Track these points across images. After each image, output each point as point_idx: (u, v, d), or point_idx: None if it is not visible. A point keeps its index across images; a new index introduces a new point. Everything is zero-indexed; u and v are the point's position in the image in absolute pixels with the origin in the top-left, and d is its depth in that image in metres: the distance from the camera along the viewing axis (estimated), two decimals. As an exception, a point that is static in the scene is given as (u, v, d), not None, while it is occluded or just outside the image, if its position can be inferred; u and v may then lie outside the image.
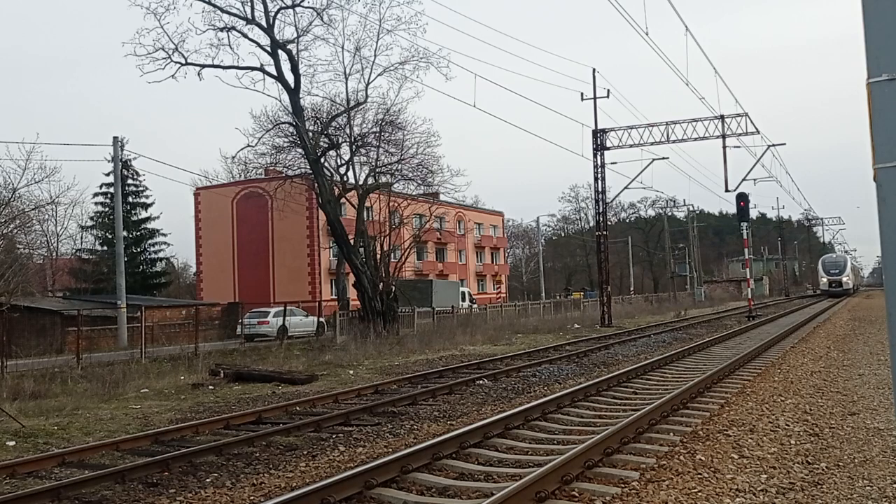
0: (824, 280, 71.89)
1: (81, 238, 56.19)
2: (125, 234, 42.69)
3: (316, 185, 31.76)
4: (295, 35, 29.29)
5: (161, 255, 56.53)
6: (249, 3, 28.12)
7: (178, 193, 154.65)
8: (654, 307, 56.90)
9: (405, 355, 22.29)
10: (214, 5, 27.60)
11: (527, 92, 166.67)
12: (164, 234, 55.20)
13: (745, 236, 39.32)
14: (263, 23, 28.24)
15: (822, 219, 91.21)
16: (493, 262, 78.14)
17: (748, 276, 45.21)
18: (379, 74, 31.38)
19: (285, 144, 35.63)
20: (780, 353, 17.64)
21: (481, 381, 15.13)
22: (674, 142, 35.01)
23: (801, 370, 14.37)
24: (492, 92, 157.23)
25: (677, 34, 70.16)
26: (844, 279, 70.50)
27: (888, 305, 2.79)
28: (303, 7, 29.08)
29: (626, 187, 54.30)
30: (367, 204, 32.69)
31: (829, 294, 67.98)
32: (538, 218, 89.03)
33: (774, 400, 10.93)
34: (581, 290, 72.30)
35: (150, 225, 54.08)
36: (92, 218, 53.59)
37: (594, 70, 37.48)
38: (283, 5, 28.76)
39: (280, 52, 28.71)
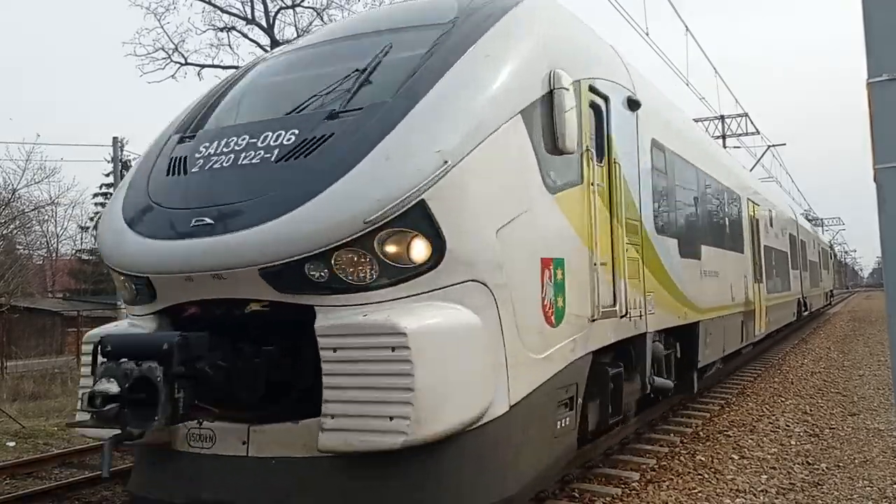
0: None
1: (81, 239, 56.10)
2: (125, 234, 42.54)
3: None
4: (295, 35, 29.27)
5: (161, 255, 56.38)
6: (249, 3, 28.12)
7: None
8: (654, 308, 56.82)
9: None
10: (214, 5, 27.59)
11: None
12: (164, 235, 55.06)
13: (744, 236, 38.78)
14: (263, 23, 28.23)
15: (822, 219, 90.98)
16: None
17: (748, 277, 44.52)
18: (379, 74, 31.36)
19: (285, 144, 35.59)
20: (781, 354, 17.63)
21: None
22: (674, 142, 34.92)
23: (801, 371, 14.36)
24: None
25: (677, 34, 70.07)
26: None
27: (888, 305, 2.79)
28: (303, 7, 29.08)
29: (626, 187, 54.12)
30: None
31: None
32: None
33: (775, 400, 10.93)
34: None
35: (150, 225, 53.95)
36: (92, 218, 53.40)
37: (594, 70, 37.39)
38: (284, 5, 28.76)
39: (280, 52, 28.71)
